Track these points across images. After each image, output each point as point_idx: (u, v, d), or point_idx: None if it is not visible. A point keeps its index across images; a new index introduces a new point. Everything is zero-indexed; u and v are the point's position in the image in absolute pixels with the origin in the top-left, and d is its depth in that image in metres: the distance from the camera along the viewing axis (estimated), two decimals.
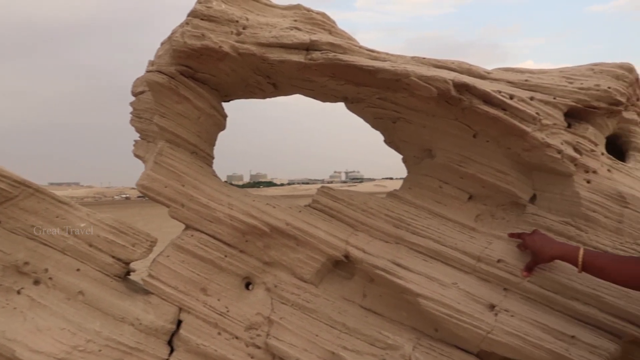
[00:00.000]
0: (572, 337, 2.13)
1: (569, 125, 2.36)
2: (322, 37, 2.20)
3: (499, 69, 2.43)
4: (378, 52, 2.29)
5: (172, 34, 2.33)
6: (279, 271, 2.45)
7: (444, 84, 2.11)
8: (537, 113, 2.21)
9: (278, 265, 2.45)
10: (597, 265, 1.98)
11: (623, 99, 2.33)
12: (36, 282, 2.37)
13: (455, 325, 2.17)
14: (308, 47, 2.17)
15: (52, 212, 2.40)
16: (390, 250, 2.35)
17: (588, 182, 2.30)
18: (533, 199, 2.41)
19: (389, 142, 2.70)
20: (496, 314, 2.18)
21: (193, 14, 2.21)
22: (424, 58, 2.29)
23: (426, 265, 2.30)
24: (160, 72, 2.34)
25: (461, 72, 2.26)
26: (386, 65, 2.12)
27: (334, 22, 2.43)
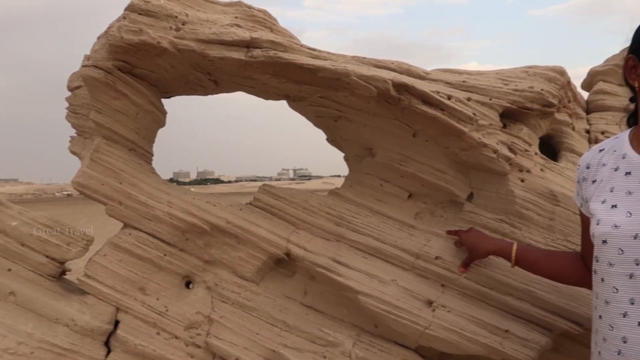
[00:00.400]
0: (506, 331, 2.19)
1: (505, 126, 2.43)
2: (263, 34, 2.19)
3: (438, 70, 2.48)
4: (319, 51, 2.30)
5: (109, 28, 2.27)
6: (220, 270, 2.43)
7: (383, 83, 2.13)
8: (473, 113, 2.26)
9: (219, 263, 2.42)
10: (529, 259, 2.05)
11: (555, 101, 2.42)
12: None
13: (394, 322, 2.21)
14: (248, 45, 2.16)
15: None
16: (331, 248, 2.36)
17: (522, 181, 2.38)
18: (470, 197, 2.47)
19: (331, 140, 2.72)
20: (434, 310, 2.22)
21: (130, 8, 2.16)
22: (364, 58, 2.31)
23: (366, 263, 2.32)
24: (96, 67, 2.28)
25: (401, 73, 2.29)
26: (327, 64, 2.13)
27: (275, 19, 2.43)
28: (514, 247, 2.09)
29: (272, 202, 2.46)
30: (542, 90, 2.38)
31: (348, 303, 2.33)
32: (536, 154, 2.46)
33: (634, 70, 1.63)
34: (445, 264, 2.29)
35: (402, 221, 2.45)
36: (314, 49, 2.30)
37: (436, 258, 2.29)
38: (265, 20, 2.35)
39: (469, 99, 2.30)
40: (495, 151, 2.29)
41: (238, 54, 2.16)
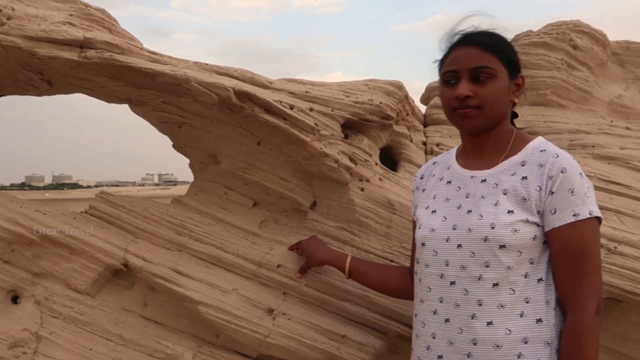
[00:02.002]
0: (343, 336, 2.25)
1: (347, 136, 2.51)
2: (99, 35, 2.09)
3: (283, 79, 2.51)
4: (160, 55, 2.24)
5: None
6: (51, 282, 2.27)
7: (224, 91, 2.11)
8: (315, 124, 2.31)
9: (50, 276, 2.27)
10: (360, 270, 2.13)
11: (393, 114, 2.54)
12: None
13: (235, 331, 2.19)
14: (82, 45, 2.04)
15: None
16: (171, 258, 2.30)
17: (362, 190, 2.46)
18: (314, 205, 2.51)
19: (177, 147, 2.66)
20: (274, 318, 2.23)
21: None
22: (206, 64, 2.28)
23: (208, 272, 2.29)
24: None
25: (244, 80, 2.29)
26: (166, 69, 2.08)
27: (115, 20, 2.33)
28: (348, 258, 2.16)
29: (109, 211, 2.35)
30: (380, 103, 2.49)
31: (189, 314, 2.27)
32: (376, 164, 2.56)
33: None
34: (286, 271, 2.31)
35: (246, 229, 2.45)
36: (154, 53, 2.24)
37: (278, 266, 2.31)
38: (103, 19, 2.25)
39: (311, 109, 2.35)
40: (336, 161, 2.35)
41: (70, 54, 2.04)
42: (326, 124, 2.36)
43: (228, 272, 2.31)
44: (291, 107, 2.28)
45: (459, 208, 1.71)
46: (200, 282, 2.24)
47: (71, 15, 2.21)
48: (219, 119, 2.34)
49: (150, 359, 2.22)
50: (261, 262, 2.31)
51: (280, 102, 2.25)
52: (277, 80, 2.44)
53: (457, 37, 1.75)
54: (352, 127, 2.53)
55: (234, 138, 2.39)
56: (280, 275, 2.30)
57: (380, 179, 2.53)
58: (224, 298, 2.21)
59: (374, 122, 2.52)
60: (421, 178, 1.96)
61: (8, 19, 2.04)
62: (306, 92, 2.40)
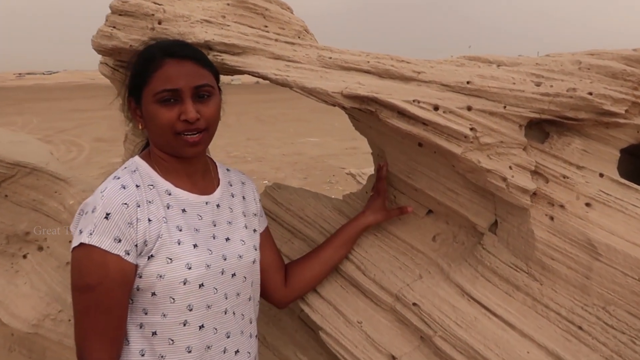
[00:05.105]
0: None
1: (548, 136, 1.78)
2: (223, 34, 1.94)
3: (446, 61, 1.88)
4: (293, 45, 1.95)
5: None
6: None
7: (329, 97, 1.72)
8: (472, 128, 1.69)
9: None
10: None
11: (619, 108, 1.65)
12: (40, 249, 2.69)
13: None
14: (209, 47, 1.93)
15: (50, 188, 2.66)
16: None
17: (551, 219, 1.73)
18: (495, 225, 1.90)
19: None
20: None
21: (111, 9, 2.12)
22: (330, 57, 1.87)
23: (341, 294, 2.03)
24: (106, 64, 2.33)
25: (378, 74, 1.81)
26: (270, 72, 1.80)
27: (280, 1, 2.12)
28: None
29: (275, 209, 2.28)
30: (590, 94, 1.64)
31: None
32: (587, 182, 1.74)
33: (138, 112, 1.62)
34: (421, 313, 1.85)
35: (409, 243, 2.04)
36: (292, 43, 1.96)
37: (414, 304, 1.87)
38: (256, 6, 2.08)
39: (469, 108, 1.72)
40: (504, 179, 1.70)
41: None
42: (492, 127, 1.70)
43: (362, 298, 1.99)
44: (436, 108, 1.71)
45: (214, 238, 1.63)
46: (329, 305, 2.00)
47: (228, 4, 2.10)
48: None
49: None
50: (397, 295, 1.91)
51: (419, 102, 1.71)
52: (435, 65, 1.84)
53: (167, 48, 1.59)
54: (554, 124, 1.77)
55: (392, 136, 1.96)
56: (414, 315, 1.86)
57: (586, 205, 1.72)
58: (346, 330, 1.93)
59: (583, 121, 1.70)
60: (138, 206, 1.51)
61: (159, 22, 2.08)
62: (468, 82, 1.75)
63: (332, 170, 14.10)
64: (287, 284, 1.92)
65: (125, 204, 1.49)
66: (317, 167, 14.77)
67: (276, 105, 34.68)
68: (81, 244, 1.47)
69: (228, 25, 2.00)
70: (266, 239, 1.88)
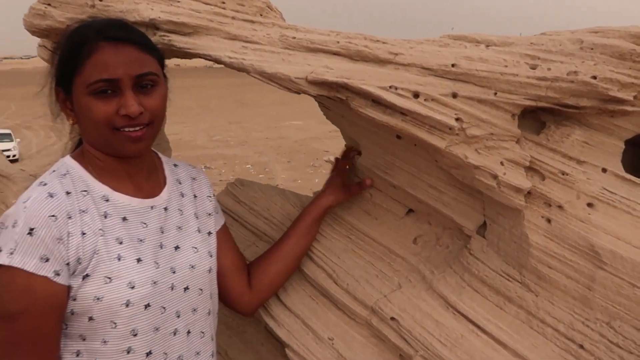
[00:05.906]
0: None
1: (544, 126, 1.55)
2: (171, 11, 1.68)
3: (430, 40, 1.64)
4: (256, 24, 1.70)
5: None
6: None
7: (291, 83, 1.48)
8: (457, 118, 1.46)
9: None
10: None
11: (626, 94, 1.43)
12: None
13: None
14: (147, 27, 1.69)
15: None
16: None
17: (548, 221, 1.51)
18: (484, 227, 1.68)
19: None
20: None
21: None
22: (294, 36, 1.62)
23: (309, 306, 1.80)
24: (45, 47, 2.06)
25: (348, 56, 1.57)
26: (223, 55, 1.55)
27: None
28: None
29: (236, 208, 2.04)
30: (594, 78, 1.41)
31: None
32: (588, 179, 1.51)
33: (67, 105, 1.39)
34: (400, 329, 1.63)
35: (387, 246, 1.81)
36: (252, 21, 1.71)
37: (391, 319, 1.65)
38: None
39: (454, 96, 1.48)
40: (494, 176, 1.47)
41: None
42: (480, 117, 1.47)
43: (333, 311, 1.76)
44: (416, 95, 1.47)
45: (162, 247, 1.41)
46: (296, 318, 1.77)
47: None
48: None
49: None
50: (373, 308, 1.68)
51: (396, 88, 1.47)
52: (415, 46, 1.60)
53: (102, 30, 1.33)
54: (552, 112, 1.54)
55: (367, 127, 1.72)
56: (392, 331, 1.64)
57: (588, 205, 1.50)
58: (315, 347, 1.71)
59: (585, 109, 1.47)
60: (69, 217, 1.27)
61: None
62: (453, 65, 1.51)
63: (315, 153, 13.91)
64: (251, 287, 1.69)
65: (53, 216, 1.26)
66: (300, 150, 14.57)
67: (258, 89, 34.33)
68: (0, 266, 1.22)
69: (178, 1, 1.74)
70: (224, 238, 1.65)
